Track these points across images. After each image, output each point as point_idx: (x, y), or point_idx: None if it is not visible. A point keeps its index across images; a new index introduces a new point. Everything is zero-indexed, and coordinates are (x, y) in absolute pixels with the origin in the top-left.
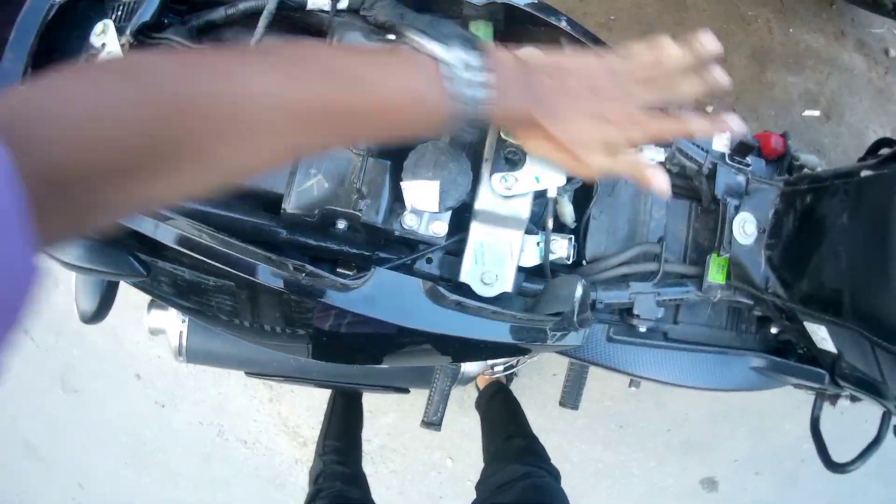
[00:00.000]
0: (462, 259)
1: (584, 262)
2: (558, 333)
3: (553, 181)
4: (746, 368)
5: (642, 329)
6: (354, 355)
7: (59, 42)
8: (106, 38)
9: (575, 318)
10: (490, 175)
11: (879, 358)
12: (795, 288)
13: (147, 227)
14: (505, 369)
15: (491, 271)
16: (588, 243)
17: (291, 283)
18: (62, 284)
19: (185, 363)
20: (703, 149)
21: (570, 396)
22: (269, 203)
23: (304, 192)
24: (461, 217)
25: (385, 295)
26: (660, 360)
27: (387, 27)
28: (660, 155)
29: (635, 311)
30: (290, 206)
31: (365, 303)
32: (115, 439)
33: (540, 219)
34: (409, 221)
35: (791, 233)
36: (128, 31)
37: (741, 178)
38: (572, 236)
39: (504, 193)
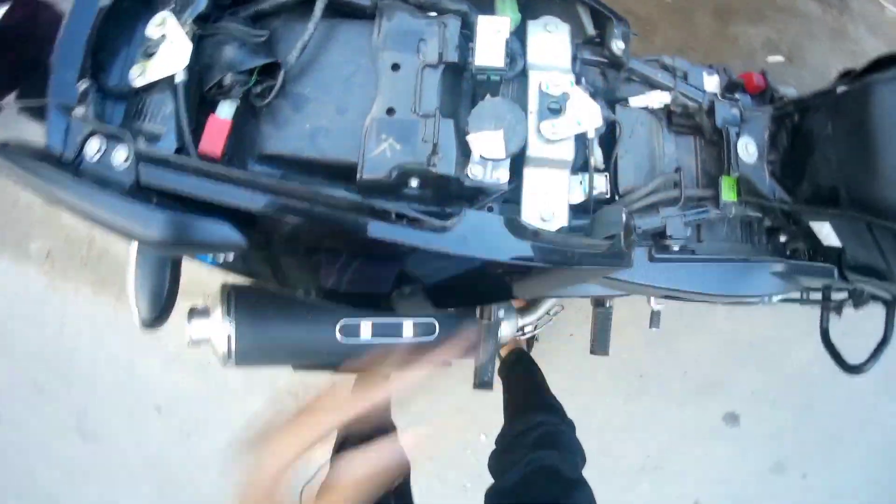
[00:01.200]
0: (521, 202)
1: (617, 197)
2: (619, 255)
3: (593, 122)
4: (768, 273)
5: (675, 248)
6: (462, 297)
7: (108, 42)
8: (166, 28)
9: (622, 243)
10: (538, 123)
11: (880, 240)
12: (798, 192)
13: (239, 196)
14: (530, 331)
15: (547, 209)
16: (619, 179)
17: (385, 229)
18: (67, 327)
19: (235, 366)
20: (700, 90)
21: (601, 343)
22: (342, 172)
23: (378, 157)
24: (514, 165)
25: (474, 233)
26: (697, 274)
27: (427, 6)
28: (665, 97)
29: (668, 233)
30: (365, 171)
31: (459, 242)
32: (141, 478)
33: (580, 161)
34: (476, 171)
35: (786, 147)
36: (187, 20)
37: (735, 111)
38: (607, 174)
39: (551, 138)
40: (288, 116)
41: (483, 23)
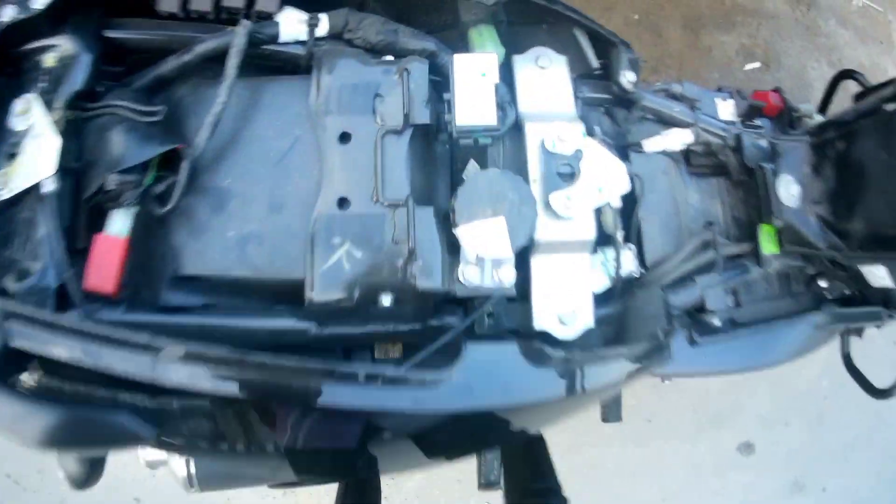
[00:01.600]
0: (531, 302)
1: (643, 271)
2: (660, 354)
3: (619, 187)
4: (812, 328)
5: (717, 323)
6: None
7: None
8: (31, 117)
9: (662, 337)
10: (546, 196)
11: None
12: (852, 236)
13: (141, 366)
14: None
15: (567, 308)
16: (646, 248)
17: (361, 395)
18: None
19: (200, 492)
20: (721, 121)
21: (613, 411)
22: (286, 291)
23: (332, 271)
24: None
25: (482, 377)
26: (740, 349)
27: (380, 47)
28: (687, 136)
29: (709, 307)
30: (316, 293)
31: (462, 395)
32: None
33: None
34: (471, 275)
35: (833, 182)
36: (59, 104)
37: (764, 142)
38: (633, 246)
39: (566, 215)
40: (205, 221)
41: (461, 64)
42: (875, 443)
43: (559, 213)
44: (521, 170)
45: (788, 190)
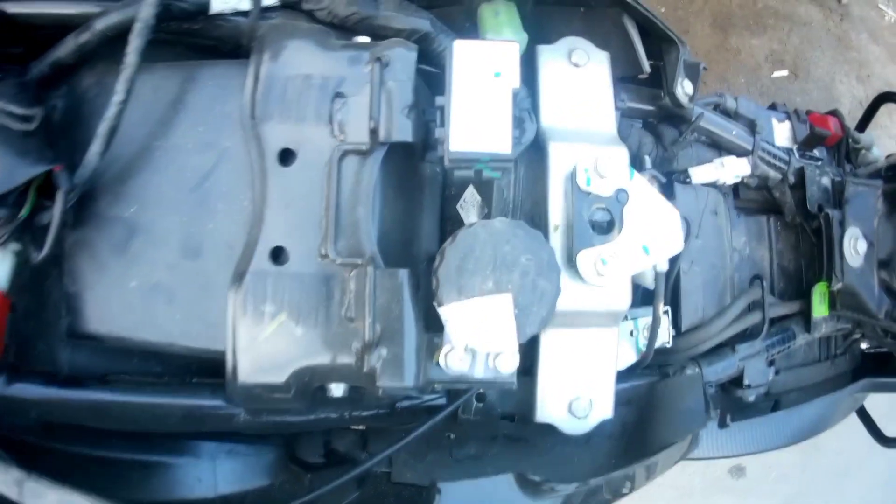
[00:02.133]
0: (535, 388)
1: (672, 338)
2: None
3: (669, 247)
4: (849, 398)
5: (751, 399)
6: None
7: None
8: None
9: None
10: (570, 252)
11: None
12: None
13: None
14: None
15: (582, 396)
16: (684, 309)
17: None
18: None
19: None
20: (780, 149)
21: None
22: (204, 365)
23: (262, 348)
24: None
25: None
26: (774, 428)
27: (352, 24)
28: (745, 168)
29: (746, 382)
30: (241, 376)
31: None
32: None
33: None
34: (456, 362)
35: None
36: None
37: (826, 181)
38: (668, 308)
39: (597, 282)
40: (103, 263)
41: (463, 55)
42: (868, 470)
43: (587, 280)
44: (537, 207)
45: (855, 247)
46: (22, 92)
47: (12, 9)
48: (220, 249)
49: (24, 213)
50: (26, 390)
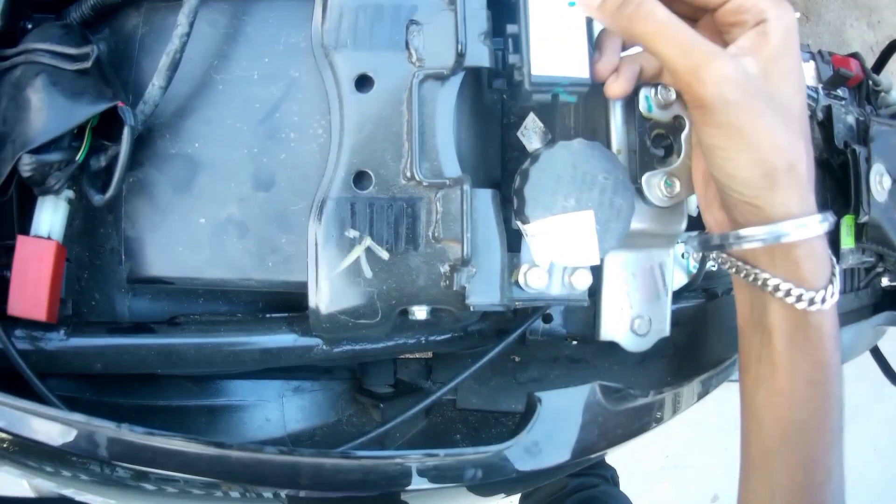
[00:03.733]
0: (599, 307)
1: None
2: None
3: None
4: (870, 329)
5: None
6: None
7: None
8: None
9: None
10: (636, 177)
11: None
12: None
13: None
14: None
15: (642, 315)
16: None
17: (404, 477)
18: None
19: None
20: (810, 87)
21: None
22: (281, 299)
23: (347, 276)
24: None
25: (552, 433)
26: None
27: None
28: None
29: None
30: (325, 304)
31: (527, 457)
32: None
33: None
34: (535, 280)
35: None
36: None
37: (851, 119)
38: None
39: (662, 203)
40: (166, 204)
41: None
42: (875, 414)
43: (653, 200)
44: (597, 133)
45: (881, 182)
46: (68, 34)
47: None
48: (295, 179)
49: (80, 156)
50: (90, 342)
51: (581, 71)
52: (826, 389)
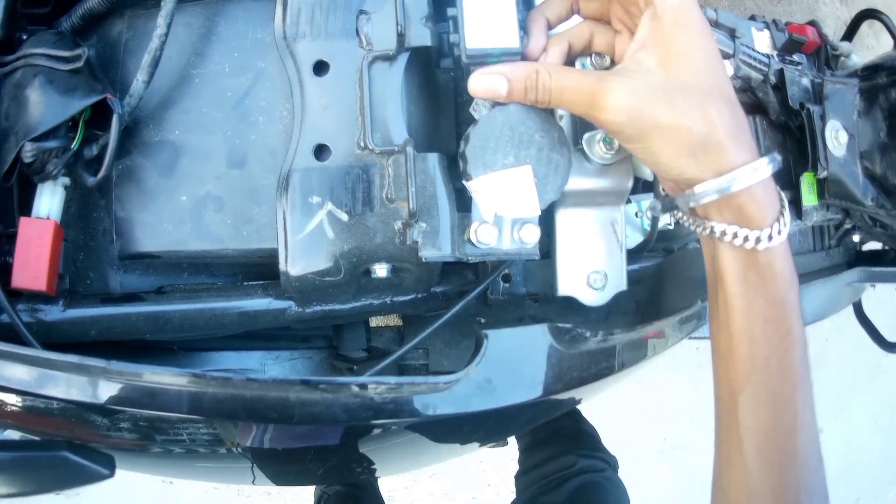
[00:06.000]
0: (555, 264)
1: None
2: (696, 322)
3: None
4: (844, 286)
5: None
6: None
7: None
8: None
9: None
10: (576, 136)
11: None
12: None
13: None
14: None
15: (598, 270)
16: None
17: (363, 410)
18: None
19: None
20: (760, 53)
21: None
22: (255, 265)
23: (312, 238)
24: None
25: (506, 371)
26: None
27: None
28: (728, 70)
29: None
30: (292, 266)
31: (481, 394)
32: None
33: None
34: (485, 236)
35: (884, 133)
36: None
37: (806, 81)
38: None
39: (604, 160)
40: (152, 186)
41: None
42: (873, 388)
43: (595, 159)
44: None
45: (836, 138)
46: (61, 40)
47: None
48: (265, 156)
49: (75, 144)
50: (86, 312)
51: (511, 42)
52: (784, 327)
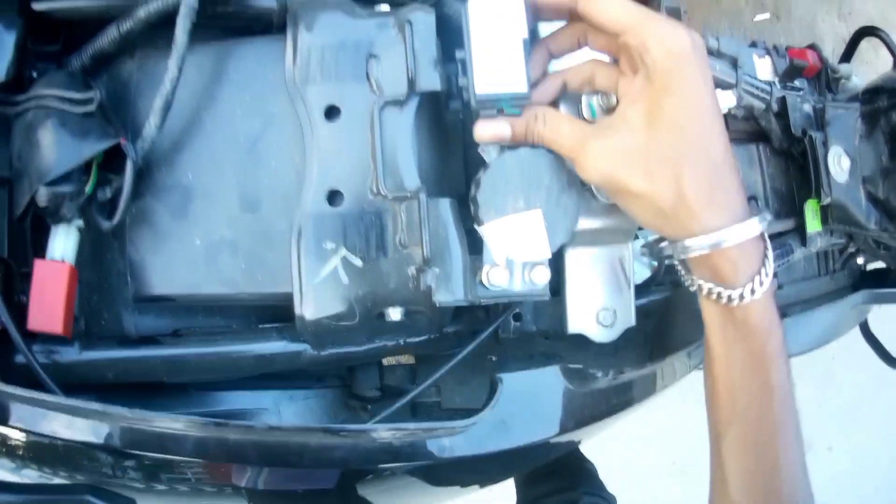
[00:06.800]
0: (564, 302)
1: None
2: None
3: None
4: (849, 310)
5: None
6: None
7: None
8: None
9: None
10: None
11: None
12: None
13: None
14: None
15: (607, 308)
16: None
17: (377, 453)
18: None
19: None
20: (762, 81)
21: None
22: (270, 308)
23: (327, 283)
24: None
25: (519, 411)
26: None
27: None
28: (731, 100)
29: None
30: (309, 311)
31: (495, 435)
32: None
33: None
34: (497, 278)
35: (887, 157)
36: None
37: (807, 107)
38: None
39: (611, 200)
40: (165, 229)
41: (478, 13)
42: (881, 401)
43: (601, 198)
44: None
45: (839, 163)
46: (72, 80)
47: (47, 5)
48: (277, 200)
49: (89, 188)
50: (102, 354)
51: (520, 86)
52: (762, 378)
